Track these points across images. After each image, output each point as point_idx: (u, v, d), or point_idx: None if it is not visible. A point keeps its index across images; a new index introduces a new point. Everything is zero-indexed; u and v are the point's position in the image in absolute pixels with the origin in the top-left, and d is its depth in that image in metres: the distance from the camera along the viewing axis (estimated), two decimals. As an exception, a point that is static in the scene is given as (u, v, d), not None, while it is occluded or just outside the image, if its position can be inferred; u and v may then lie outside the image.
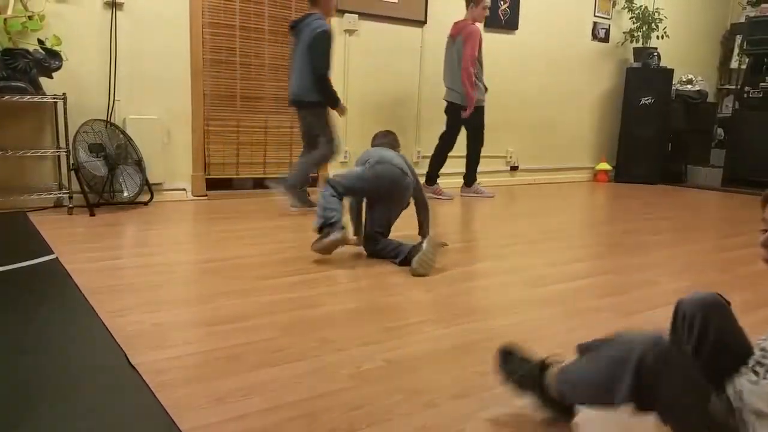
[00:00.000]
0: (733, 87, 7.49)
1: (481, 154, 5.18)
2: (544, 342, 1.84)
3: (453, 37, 4.97)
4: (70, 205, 3.62)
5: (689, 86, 6.85)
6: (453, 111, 5.02)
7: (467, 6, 4.94)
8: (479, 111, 4.99)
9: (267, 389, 1.46)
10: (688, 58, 7.38)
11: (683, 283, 2.63)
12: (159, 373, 1.52)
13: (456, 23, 4.98)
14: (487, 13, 5.07)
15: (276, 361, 1.62)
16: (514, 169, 6.25)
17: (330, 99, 4.00)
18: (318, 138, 4.10)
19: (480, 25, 4.99)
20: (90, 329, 1.81)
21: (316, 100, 3.97)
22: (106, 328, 1.80)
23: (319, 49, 3.85)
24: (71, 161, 3.65)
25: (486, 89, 5.05)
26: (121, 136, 3.90)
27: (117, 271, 2.44)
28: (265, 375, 1.54)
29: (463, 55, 4.82)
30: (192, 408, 1.35)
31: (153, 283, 2.28)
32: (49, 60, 3.49)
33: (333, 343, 1.77)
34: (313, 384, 1.50)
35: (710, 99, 7.38)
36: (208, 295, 2.19)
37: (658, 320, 2.09)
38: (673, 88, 6.76)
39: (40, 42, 3.53)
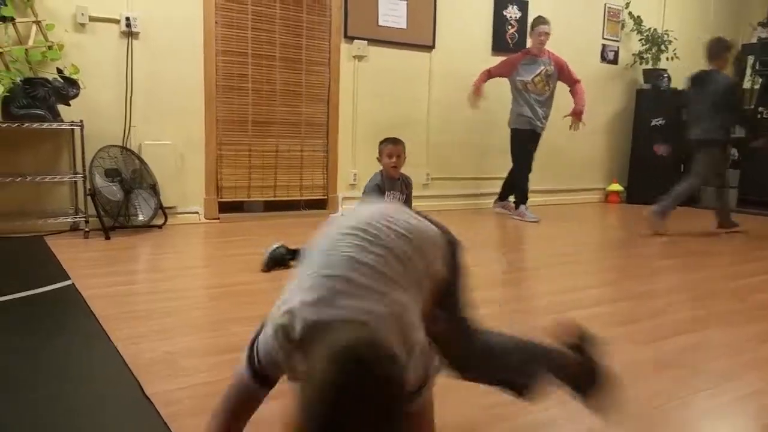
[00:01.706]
0: (747, 107, 7.48)
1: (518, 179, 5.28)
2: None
3: None
4: (86, 229, 3.70)
5: (700, 107, 6.84)
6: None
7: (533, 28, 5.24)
8: (514, 134, 5.17)
9: (277, 421, 1.49)
10: (697, 79, 7.38)
11: (697, 311, 2.60)
12: (171, 403, 1.56)
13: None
14: (543, 39, 5.17)
15: (286, 392, 1.65)
16: (523, 190, 6.27)
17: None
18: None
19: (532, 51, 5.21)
20: (105, 357, 1.86)
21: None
22: (121, 356, 1.85)
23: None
24: (88, 186, 3.74)
25: (540, 120, 5.19)
26: (137, 161, 3.99)
27: (131, 297, 2.49)
28: (275, 406, 1.57)
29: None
30: (202, 438, 1.39)
31: (166, 310, 2.34)
32: (67, 88, 3.59)
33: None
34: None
35: (721, 119, 7.35)
36: (220, 321, 2.23)
37: (671, 350, 2.08)
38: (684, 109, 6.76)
39: (59, 71, 3.63)
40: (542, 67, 5.11)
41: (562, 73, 5.20)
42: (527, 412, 1.57)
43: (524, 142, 5.12)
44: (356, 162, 5.15)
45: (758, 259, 3.86)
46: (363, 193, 3.26)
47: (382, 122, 5.26)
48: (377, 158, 3.21)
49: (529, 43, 5.27)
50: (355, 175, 5.13)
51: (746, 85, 7.65)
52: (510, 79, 5.17)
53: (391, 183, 3.20)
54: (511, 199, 5.35)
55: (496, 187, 5.56)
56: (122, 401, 1.58)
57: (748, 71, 7.56)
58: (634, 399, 1.68)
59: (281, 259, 3.07)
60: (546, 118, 5.19)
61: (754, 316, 2.57)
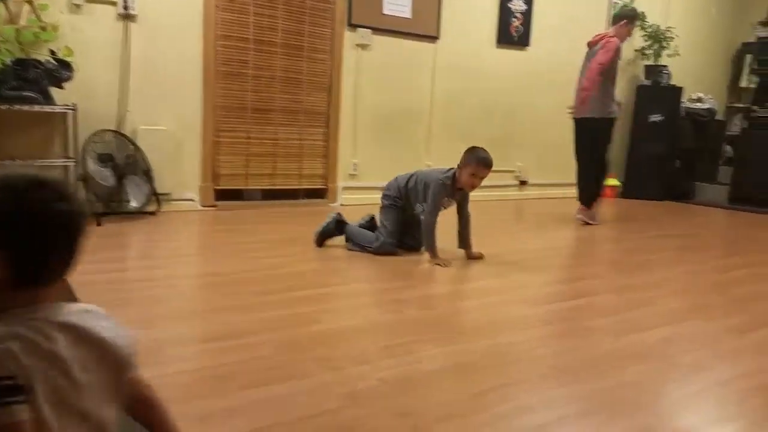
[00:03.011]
0: (743, 106, 7.47)
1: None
2: (537, 363, 1.84)
3: (591, 46, 4.73)
4: (79, 214, 3.67)
5: (698, 104, 6.83)
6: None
7: (614, 23, 4.75)
8: (611, 123, 4.72)
9: (256, 409, 1.47)
10: (698, 76, 7.36)
11: (680, 304, 2.62)
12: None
13: (598, 34, 4.76)
14: (630, 35, 4.88)
15: (268, 380, 1.63)
16: (523, 183, 6.25)
17: None
18: None
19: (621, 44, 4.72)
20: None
21: None
22: (105, 342, 1.82)
23: None
24: (80, 171, 3.70)
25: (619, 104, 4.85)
26: (131, 146, 3.95)
27: (119, 284, 2.47)
28: (256, 394, 1.55)
29: (592, 61, 4.58)
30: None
31: (154, 297, 2.31)
32: (60, 71, 3.55)
33: (328, 361, 1.78)
34: (303, 404, 1.51)
35: (719, 117, 7.34)
36: (208, 310, 2.21)
37: (651, 341, 2.09)
38: (682, 105, 6.75)
39: (52, 53, 3.59)
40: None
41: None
42: (507, 400, 1.59)
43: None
44: (357, 152, 5.12)
45: (739, 254, 3.90)
46: (425, 186, 3.16)
47: (384, 113, 5.23)
48: (459, 165, 3.11)
49: (620, 32, 4.65)
50: (355, 165, 5.10)
51: (743, 83, 7.64)
52: (612, 65, 4.61)
53: (455, 191, 3.17)
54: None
55: (496, 179, 5.54)
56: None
57: (746, 70, 7.54)
58: (608, 389, 1.69)
59: (330, 233, 3.28)
60: None
61: (732, 309, 2.59)
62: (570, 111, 4.78)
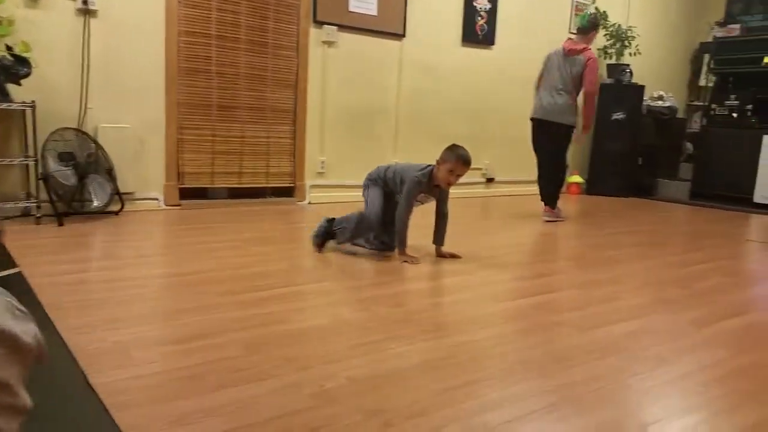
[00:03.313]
0: (702, 104, 7.67)
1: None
2: (504, 359, 1.87)
3: (568, 54, 4.72)
4: (38, 215, 3.58)
5: (660, 102, 6.99)
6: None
7: (587, 32, 4.77)
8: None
9: (227, 410, 1.46)
10: (659, 74, 7.54)
11: (643, 298, 2.68)
12: (117, 393, 1.51)
13: (574, 43, 4.76)
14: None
15: (238, 381, 1.62)
16: (489, 180, 6.32)
17: None
18: None
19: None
20: (49, 347, 1.79)
21: None
22: (67, 346, 1.78)
23: None
24: (40, 170, 3.61)
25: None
26: (92, 144, 3.86)
27: (82, 286, 2.41)
28: (226, 395, 1.54)
29: (585, 82, 4.66)
30: (148, 430, 1.35)
31: (118, 299, 2.27)
32: (17, 66, 3.45)
33: (297, 361, 1.78)
34: (273, 404, 1.50)
35: (680, 115, 7.53)
36: (174, 311, 2.18)
37: (615, 335, 2.13)
38: (644, 104, 6.90)
39: (8, 48, 3.48)
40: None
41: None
42: (475, 396, 1.60)
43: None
44: (324, 150, 5.10)
45: (701, 249, 4.00)
46: (401, 180, 3.16)
47: (351, 109, 5.21)
48: (437, 161, 3.11)
49: (586, 42, 4.78)
50: (323, 162, 5.08)
51: (701, 82, 7.86)
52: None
53: (432, 188, 3.18)
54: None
55: (463, 176, 5.57)
56: (65, 391, 1.52)
57: (704, 69, 7.75)
58: (575, 383, 1.72)
59: (326, 231, 3.26)
60: None
61: (694, 302, 2.66)
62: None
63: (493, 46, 6.04)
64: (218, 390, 1.56)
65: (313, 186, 5.08)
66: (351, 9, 5.03)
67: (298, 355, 1.82)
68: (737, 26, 7.42)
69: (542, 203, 4.91)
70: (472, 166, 3.20)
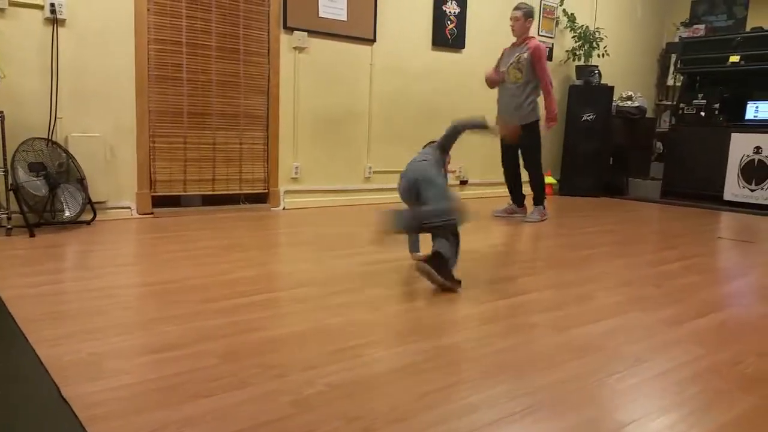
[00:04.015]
0: (670, 103, 7.84)
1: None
2: (482, 361, 1.89)
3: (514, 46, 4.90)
4: (9, 226, 3.52)
5: (629, 102, 7.12)
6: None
7: (525, 19, 4.82)
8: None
9: (203, 420, 1.46)
10: (627, 75, 7.68)
11: (618, 297, 2.73)
12: (91, 405, 1.49)
13: (525, 37, 4.85)
14: (510, 25, 4.94)
15: (215, 390, 1.61)
16: (463, 183, 6.37)
17: None
18: None
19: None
20: (21, 360, 1.77)
21: None
22: (39, 359, 1.76)
23: None
24: (10, 181, 3.55)
25: (507, 113, 5.05)
26: (63, 154, 3.81)
27: (55, 297, 2.38)
28: (203, 405, 1.53)
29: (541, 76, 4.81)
30: (126, 442, 1.34)
31: (92, 309, 2.24)
32: (-15, 77, 3.39)
33: (274, 368, 1.78)
34: (252, 413, 1.50)
35: (649, 114, 7.68)
36: (149, 320, 2.16)
37: (591, 335, 2.17)
38: (613, 104, 7.02)
39: (-25, 58, 3.43)
40: (516, 54, 4.86)
41: (533, 63, 4.80)
42: (454, 400, 1.62)
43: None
44: (298, 155, 5.10)
45: (674, 247, 4.07)
46: (427, 160, 3.07)
47: (324, 114, 5.22)
48: (447, 161, 3.21)
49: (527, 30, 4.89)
50: (296, 168, 5.07)
51: (669, 82, 8.03)
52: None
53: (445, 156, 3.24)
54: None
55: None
56: (37, 405, 1.50)
57: (672, 69, 7.92)
58: (552, 384, 1.75)
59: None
60: (518, 109, 4.87)
61: (668, 301, 2.71)
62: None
63: (463, 50, 6.10)
64: (195, 400, 1.56)
65: (288, 191, 5.07)
66: (321, 15, 5.04)
67: (275, 363, 1.82)
68: (702, 26, 7.60)
69: (512, 203, 5.01)
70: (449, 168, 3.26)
